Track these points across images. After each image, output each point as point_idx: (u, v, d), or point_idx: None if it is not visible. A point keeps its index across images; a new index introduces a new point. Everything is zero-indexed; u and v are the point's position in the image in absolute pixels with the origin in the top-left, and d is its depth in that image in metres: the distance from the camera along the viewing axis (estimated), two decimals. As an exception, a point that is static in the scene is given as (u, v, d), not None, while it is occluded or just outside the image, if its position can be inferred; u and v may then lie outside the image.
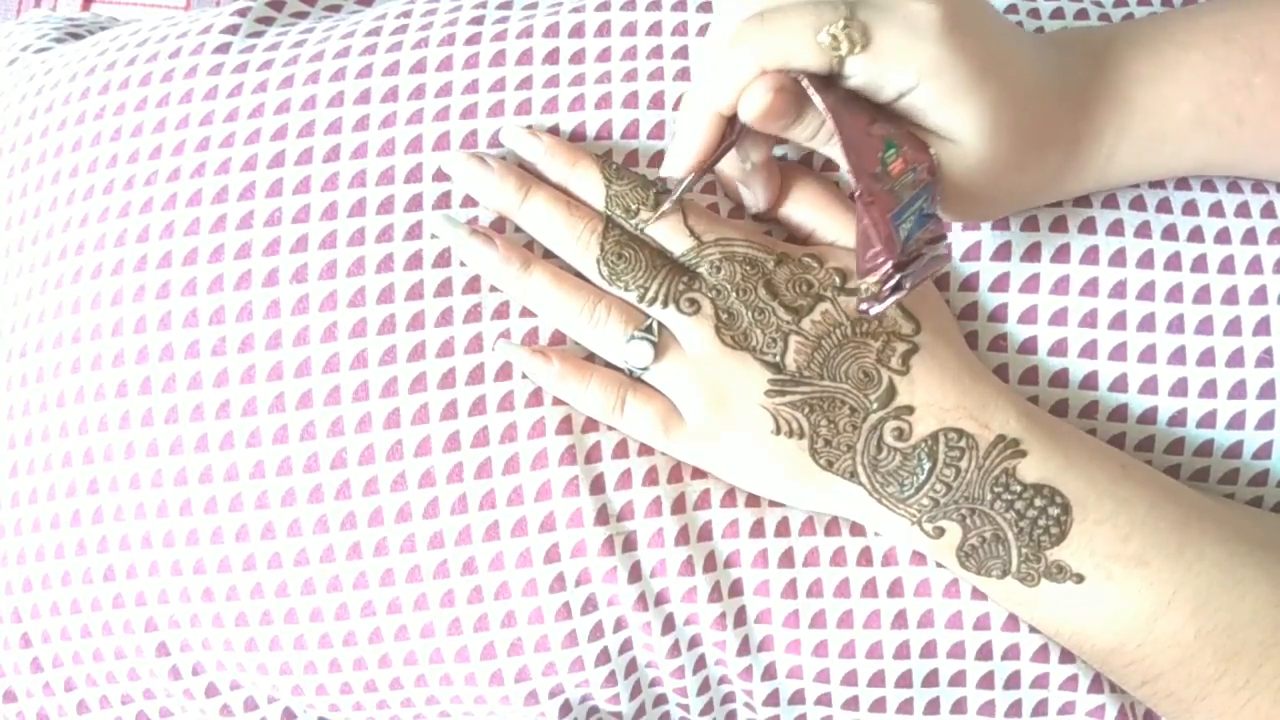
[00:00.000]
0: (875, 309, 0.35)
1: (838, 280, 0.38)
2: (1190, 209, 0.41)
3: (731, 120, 0.36)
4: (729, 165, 0.39)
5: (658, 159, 0.41)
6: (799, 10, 0.34)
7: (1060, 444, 0.37)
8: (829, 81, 0.34)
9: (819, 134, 0.36)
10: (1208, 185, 0.41)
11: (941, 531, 0.37)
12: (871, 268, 0.35)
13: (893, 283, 0.35)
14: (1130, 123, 0.38)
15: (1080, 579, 0.37)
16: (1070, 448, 0.37)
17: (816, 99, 0.34)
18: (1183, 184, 0.41)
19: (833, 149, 0.36)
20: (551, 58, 0.42)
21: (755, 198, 0.40)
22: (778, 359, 0.38)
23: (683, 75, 0.42)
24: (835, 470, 0.38)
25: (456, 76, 0.42)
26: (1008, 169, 0.36)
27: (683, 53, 0.42)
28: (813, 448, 0.38)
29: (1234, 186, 0.41)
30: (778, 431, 0.38)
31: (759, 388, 0.38)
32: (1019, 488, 0.37)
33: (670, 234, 0.39)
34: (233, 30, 0.44)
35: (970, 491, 0.37)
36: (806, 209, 0.40)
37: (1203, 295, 0.40)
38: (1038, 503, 0.37)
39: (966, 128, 0.35)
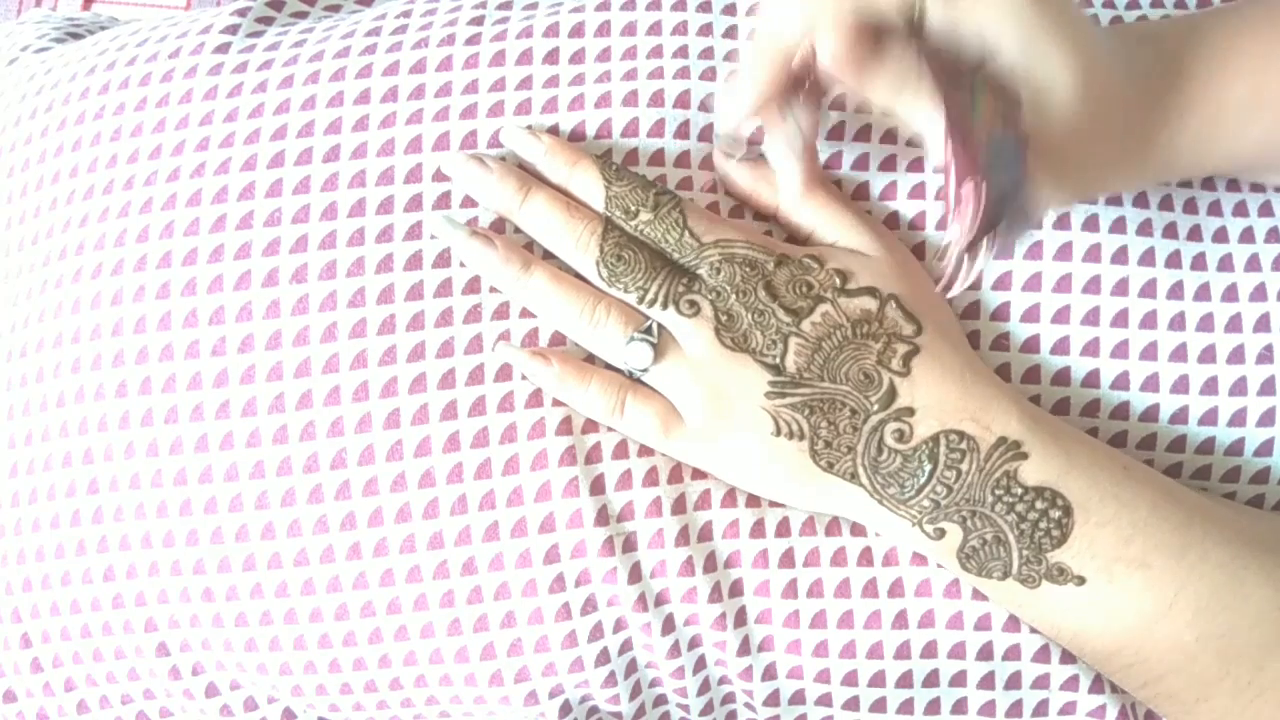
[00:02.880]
0: (954, 288, 0.34)
1: (838, 281, 0.38)
2: (1190, 207, 0.41)
3: (795, 79, 0.35)
4: (771, 147, 0.38)
5: (658, 158, 0.41)
6: None
7: (1062, 446, 0.37)
8: (909, 36, 0.33)
9: (898, 87, 0.34)
10: (1207, 184, 0.41)
11: (942, 533, 0.37)
12: (961, 239, 0.33)
13: (974, 249, 0.34)
14: (1190, 105, 0.38)
15: (1081, 581, 0.37)
16: (1072, 449, 0.37)
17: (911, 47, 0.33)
18: (1184, 181, 0.41)
19: (909, 106, 0.35)
20: (551, 58, 0.42)
21: (790, 177, 0.39)
22: (778, 361, 0.38)
23: (683, 74, 0.42)
24: (836, 472, 0.38)
25: (456, 77, 0.42)
26: (1093, 131, 0.35)
27: (683, 52, 0.42)
28: (813, 449, 0.38)
29: (1232, 185, 0.41)
30: (778, 433, 0.38)
31: (759, 389, 0.38)
32: (1020, 490, 0.37)
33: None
34: (232, 30, 0.44)
35: (971, 494, 0.37)
36: (807, 209, 0.40)
37: (1203, 292, 0.40)
38: (1039, 505, 0.37)
39: (1056, 72, 0.34)
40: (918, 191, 0.41)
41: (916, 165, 0.41)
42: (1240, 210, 0.41)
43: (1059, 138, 0.35)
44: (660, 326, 0.39)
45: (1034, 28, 0.33)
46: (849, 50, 0.33)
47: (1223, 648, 0.36)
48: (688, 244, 0.39)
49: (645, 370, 0.39)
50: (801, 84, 0.36)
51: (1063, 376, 0.40)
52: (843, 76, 0.34)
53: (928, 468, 0.37)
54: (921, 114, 0.35)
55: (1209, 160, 0.39)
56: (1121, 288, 0.40)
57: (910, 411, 0.37)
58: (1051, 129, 0.35)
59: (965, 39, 0.34)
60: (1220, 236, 0.40)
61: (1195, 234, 0.40)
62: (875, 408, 0.37)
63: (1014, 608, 0.38)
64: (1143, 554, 0.36)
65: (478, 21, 0.43)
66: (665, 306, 0.38)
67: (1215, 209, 0.41)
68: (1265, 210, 0.41)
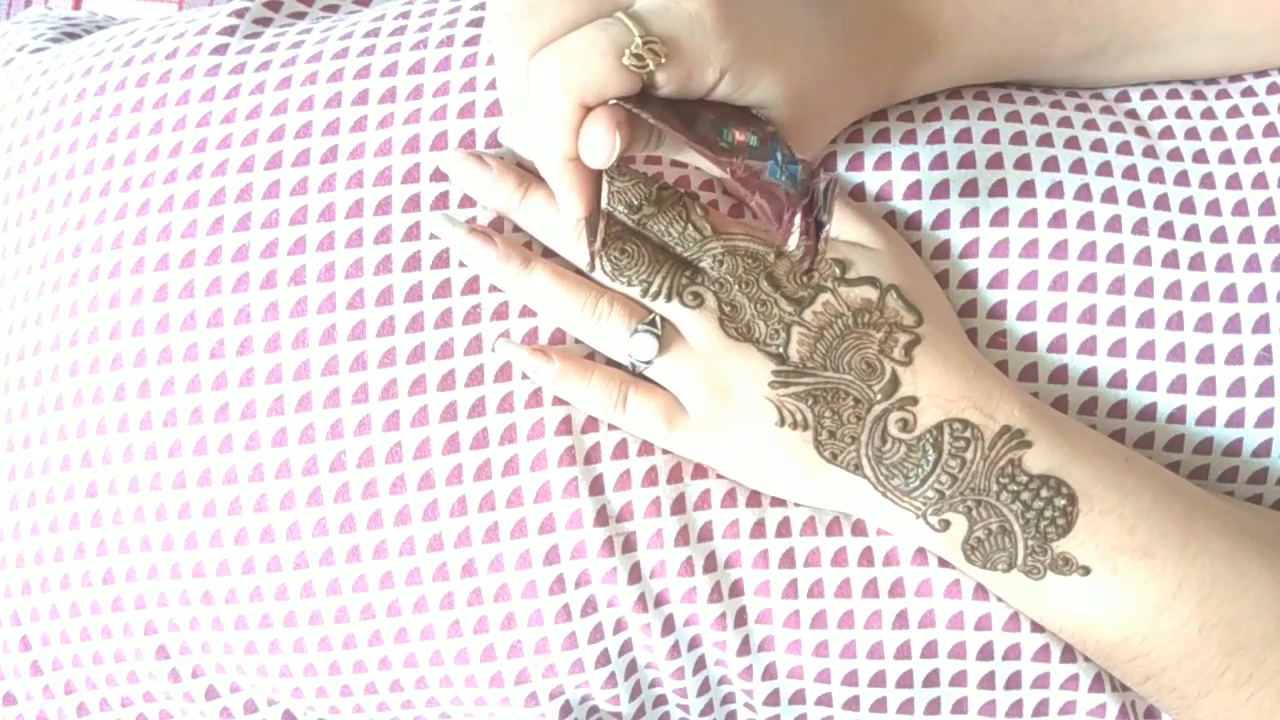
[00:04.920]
0: (816, 260, 0.36)
1: (838, 270, 0.38)
2: (1187, 206, 0.41)
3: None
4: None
5: (654, 157, 0.41)
6: (591, 39, 0.33)
7: (1065, 435, 0.37)
8: (644, 95, 0.34)
9: (652, 142, 0.36)
10: (1206, 182, 0.41)
11: (947, 524, 0.37)
12: (789, 230, 0.35)
13: (814, 229, 0.35)
14: (906, 36, 0.40)
15: (1086, 571, 0.37)
16: (1075, 439, 0.38)
17: (645, 115, 0.34)
18: (1182, 179, 0.41)
19: (672, 150, 0.37)
20: None
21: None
22: (781, 350, 0.38)
23: None
24: (840, 463, 0.38)
25: (454, 76, 0.42)
26: (825, 108, 0.38)
27: None
28: (817, 439, 0.38)
29: (1233, 183, 0.41)
30: (782, 423, 0.38)
31: (763, 379, 0.38)
32: (1025, 478, 0.37)
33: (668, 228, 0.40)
34: (230, 31, 0.44)
35: (976, 483, 0.37)
36: None
37: (1201, 292, 0.40)
38: (1044, 493, 0.37)
39: (773, 96, 0.36)
40: (913, 191, 0.41)
41: (911, 163, 0.41)
42: (1240, 209, 0.41)
43: (803, 123, 0.37)
44: (663, 319, 0.39)
45: (745, 66, 0.35)
46: (615, 150, 0.34)
47: (1224, 639, 0.36)
48: (690, 237, 0.39)
49: (649, 363, 0.39)
50: None
51: (1060, 374, 0.40)
52: (606, 168, 0.35)
53: (932, 457, 0.37)
54: (696, 159, 0.37)
55: (937, 83, 0.42)
56: (1118, 286, 0.40)
57: (914, 400, 0.37)
58: (795, 123, 0.37)
59: (695, 91, 0.35)
60: (1219, 236, 0.40)
61: (1193, 233, 0.40)
62: (879, 397, 0.37)
63: (1018, 601, 0.38)
64: (1146, 543, 0.36)
65: (477, 24, 0.43)
66: (669, 299, 0.38)
67: (1214, 208, 0.41)
68: (1266, 209, 0.41)
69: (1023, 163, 0.41)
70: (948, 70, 0.42)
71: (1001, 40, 0.41)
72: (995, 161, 0.41)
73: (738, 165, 0.34)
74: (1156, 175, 0.41)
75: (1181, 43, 0.43)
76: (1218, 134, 0.42)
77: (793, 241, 0.35)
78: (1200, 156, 0.42)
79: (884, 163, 0.41)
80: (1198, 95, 0.44)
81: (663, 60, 0.33)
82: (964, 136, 0.41)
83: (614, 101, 0.34)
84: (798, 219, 0.34)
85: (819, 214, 0.35)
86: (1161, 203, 0.41)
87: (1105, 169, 0.41)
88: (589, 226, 0.38)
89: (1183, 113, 0.43)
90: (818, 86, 0.37)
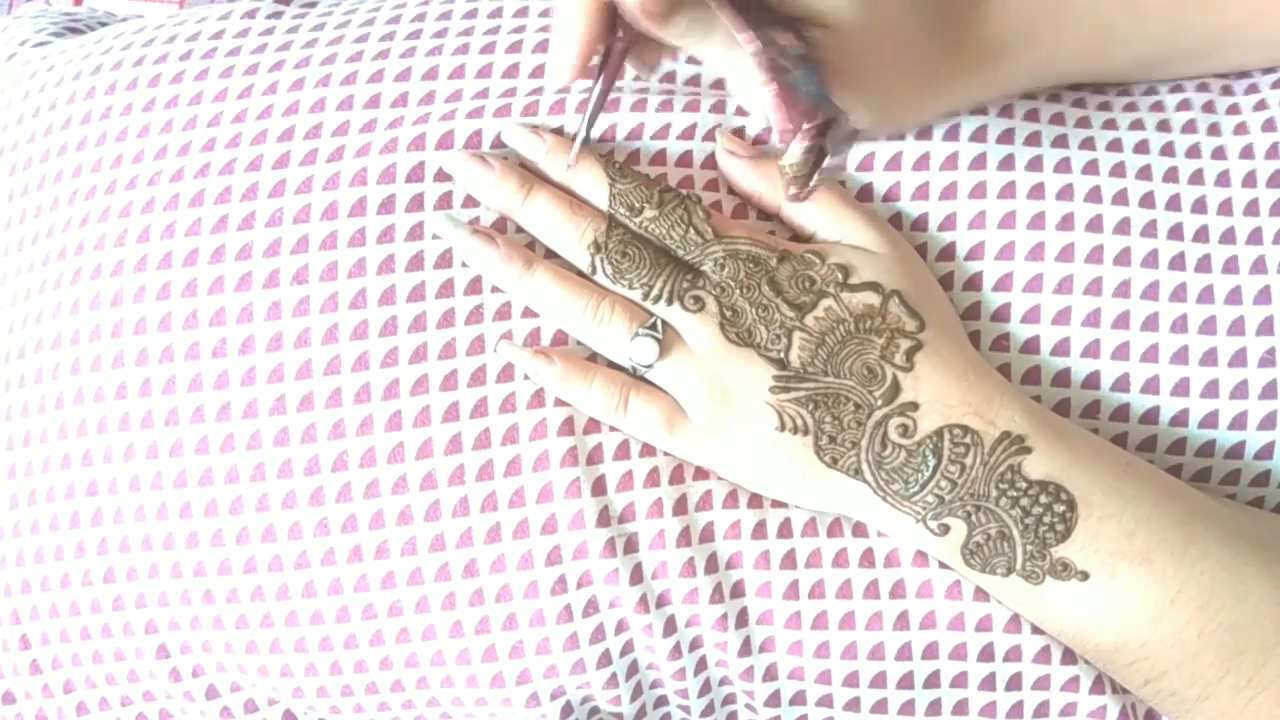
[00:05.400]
0: (804, 190, 0.35)
1: (840, 276, 0.38)
2: (1199, 206, 0.41)
3: (612, 29, 0.35)
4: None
5: (660, 158, 0.41)
6: None
7: (1065, 441, 0.37)
8: None
9: (695, 32, 0.35)
10: (1222, 180, 0.41)
11: (946, 529, 0.37)
12: (791, 137, 0.34)
13: (815, 151, 0.34)
14: (974, 41, 0.39)
15: (1085, 576, 0.37)
16: (1075, 445, 0.38)
17: None
18: (1196, 177, 0.41)
19: (708, 49, 0.36)
20: None
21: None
22: (782, 355, 0.38)
23: (694, 81, 0.42)
24: (840, 467, 0.38)
25: (467, 85, 0.42)
26: (893, 41, 0.37)
27: (692, 57, 0.42)
28: (817, 444, 0.38)
29: (1249, 180, 0.41)
30: (782, 428, 0.38)
31: (763, 384, 0.38)
32: (1024, 484, 0.37)
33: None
34: (243, 34, 0.44)
35: (975, 488, 0.37)
36: (810, 207, 0.40)
37: (1206, 295, 0.40)
38: (1043, 499, 0.37)
39: (839, 14, 0.35)
40: (921, 192, 0.41)
41: (921, 164, 0.41)
42: (1251, 209, 0.40)
43: (856, 62, 0.36)
44: (664, 322, 0.39)
45: None
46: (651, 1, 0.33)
47: (1224, 644, 0.36)
48: (692, 240, 0.39)
49: (650, 366, 0.39)
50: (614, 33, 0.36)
51: (1063, 378, 0.40)
52: (642, 22, 0.34)
53: (932, 462, 0.37)
54: (720, 56, 0.36)
55: (1058, 60, 0.40)
56: (1123, 290, 0.40)
57: (914, 406, 0.37)
58: (851, 43, 0.36)
59: None
60: (1228, 237, 0.40)
61: (1202, 235, 0.40)
62: (879, 402, 0.37)
63: (1017, 605, 0.38)
64: (1145, 549, 0.36)
65: (494, 22, 0.43)
66: (670, 302, 0.38)
67: (1226, 207, 0.40)
68: (1277, 210, 0.40)
69: (1035, 164, 0.41)
70: (1075, 43, 0.40)
71: (1063, 50, 0.40)
72: (1007, 163, 0.41)
73: (770, 51, 0.33)
74: (1171, 175, 0.41)
75: (1233, 49, 0.43)
76: (1241, 129, 0.42)
77: (793, 153, 0.34)
78: (1219, 153, 0.41)
79: (894, 163, 0.41)
80: (1226, 90, 0.43)
81: None
82: (979, 135, 0.41)
83: None
84: (806, 131, 0.34)
85: (828, 144, 0.34)
86: (1173, 204, 0.41)
87: (1119, 170, 0.41)
88: (593, 106, 0.37)
89: (1209, 106, 0.43)
90: (889, 19, 0.36)
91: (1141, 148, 0.41)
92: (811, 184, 0.35)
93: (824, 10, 0.35)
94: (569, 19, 0.35)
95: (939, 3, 0.38)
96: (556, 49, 0.35)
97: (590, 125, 0.38)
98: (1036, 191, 0.40)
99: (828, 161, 0.35)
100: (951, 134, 0.41)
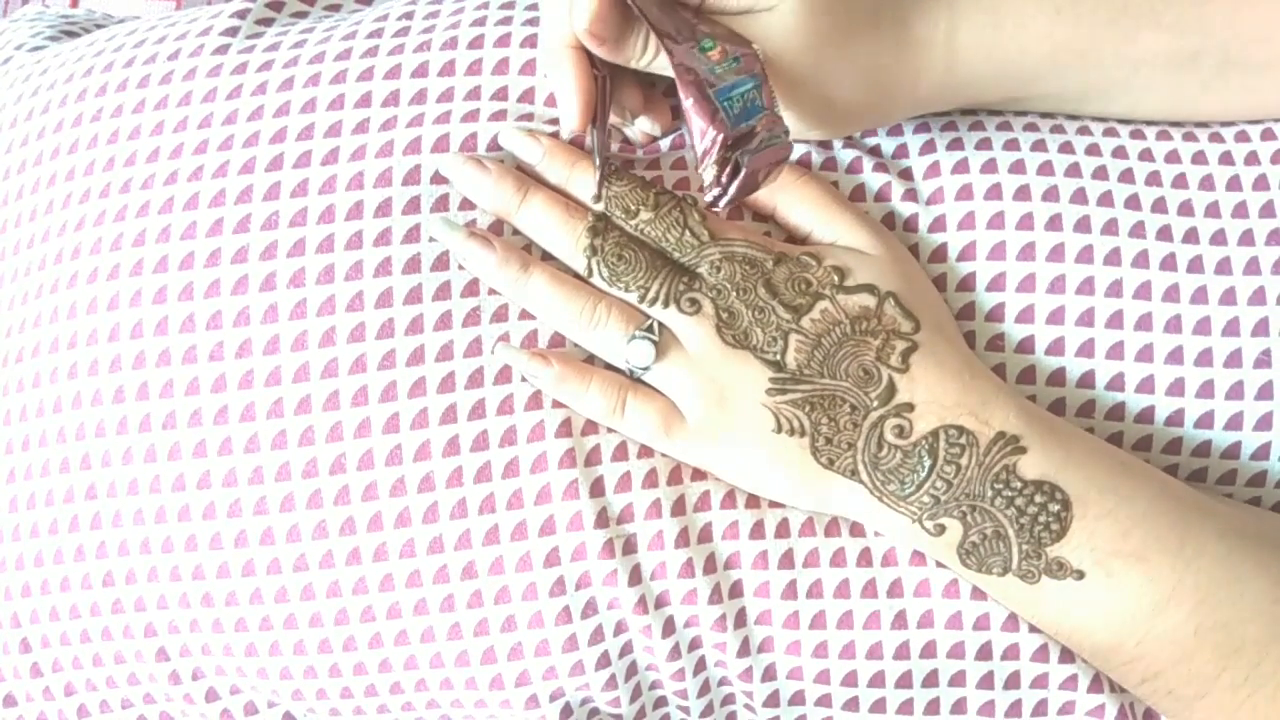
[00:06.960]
0: (721, 200, 0.36)
1: (836, 278, 0.38)
2: (1185, 209, 0.41)
3: (594, 64, 0.37)
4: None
5: (654, 162, 0.41)
6: None
7: (1060, 440, 0.37)
8: None
9: (648, 50, 0.37)
10: (1205, 183, 0.41)
11: (942, 529, 0.37)
12: (706, 148, 0.35)
13: (730, 164, 0.35)
14: (922, 43, 0.39)
15: (1080, 575, 0.37)
16: (1070, 444, 0.38)
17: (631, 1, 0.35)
18: (1180, 181, 0.41)
19: (660, 64, 0.37)
20: None
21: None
22: (778, 357, 0.38)
23: None
24: (836, 468, 0.38)
25: (459, 83, 0.41)
26: (830, 45, 0.37)
27: None
28: (814, 446, 0.38)
29: (1233, 184, 0.41)
30: (779, 430, 0.38)
31: (760, 386, 0.38)
32: (1019, 484, 0.37)
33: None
34: (232, 33, 0.44)
35: (971, 489, 0.37)
36: (804, 209, 0.40)
37: (1200, 295, 0.40)
38: (1038, 499, 0.37)
39: (775, 26, 0.36)
40: (910, 195, 0.41)
41: (907, 174, 0.41)
42: (1240, 211, 0.41)
43: (800, 55, 0.37)
44: (661, 325, 0.39)
45: None
46: (595, 15, 0.35)
47: (1220, 642, 0.36)
48: (688, 243, 0.39)
49: (646, 369, 0.39)
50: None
51: (1058, 377, 0.40)
52: (595, 47, 0.36)
53: (927, 463, 0.37)
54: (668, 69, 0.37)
55: (1002, 60, 0.40)
56: (1115, 289, 0.40)
57: (910, 407, 0.37)
58: (790, 52, 0.36)
59: None
60: (1218, 239, 0.40)
61: (1191, 236, 0.40)
62: (875, 404, 0.38)
63: (1013, 604, 0.38)
64: (1141, 548, 0.36)
65: (480, 23, 0.42)
66: (666, 305, 0.38)
67: (1213, 210, 0.41)
68: (1267, 211, 0.40)
69: (1017, 168, 0.41)
70: (1019, 45, 0.39)
71: (1076, 19, 0.39)
72: (989, 167, 0.41)
73: (694, 71, 0.35)
74: (1154, 178, 0.41)
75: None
76: (1215, 137, 0.42)
77: (706, 173, 0.35)
78: (1199, 158, 0.42)
79: (881, 168, 0.41)
80: None
81: None
82: (956, 145, 0.42)
83: None
84: (715, 145, 0.35)
85: (745, 155, 0.35)
86: (1159, 206, 0.41)
87: (1100, 173, 0.41)
88: (598, 147, 0.39)
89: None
90: (831, 23, 0.37)
91: (1120, 153, 0.42)
92: (729, 194, 0.36)
93: (762, 16, 0.36)
94: (555, 69, 0.37)
95: (877, 4, 0.38)
96: (560, 100, 0.38)
97: (603, 161, 0.39)
98: (1023, 193, 0.40)
99: (743, 174, 0.35)
100: (955, 145, 0.41)
